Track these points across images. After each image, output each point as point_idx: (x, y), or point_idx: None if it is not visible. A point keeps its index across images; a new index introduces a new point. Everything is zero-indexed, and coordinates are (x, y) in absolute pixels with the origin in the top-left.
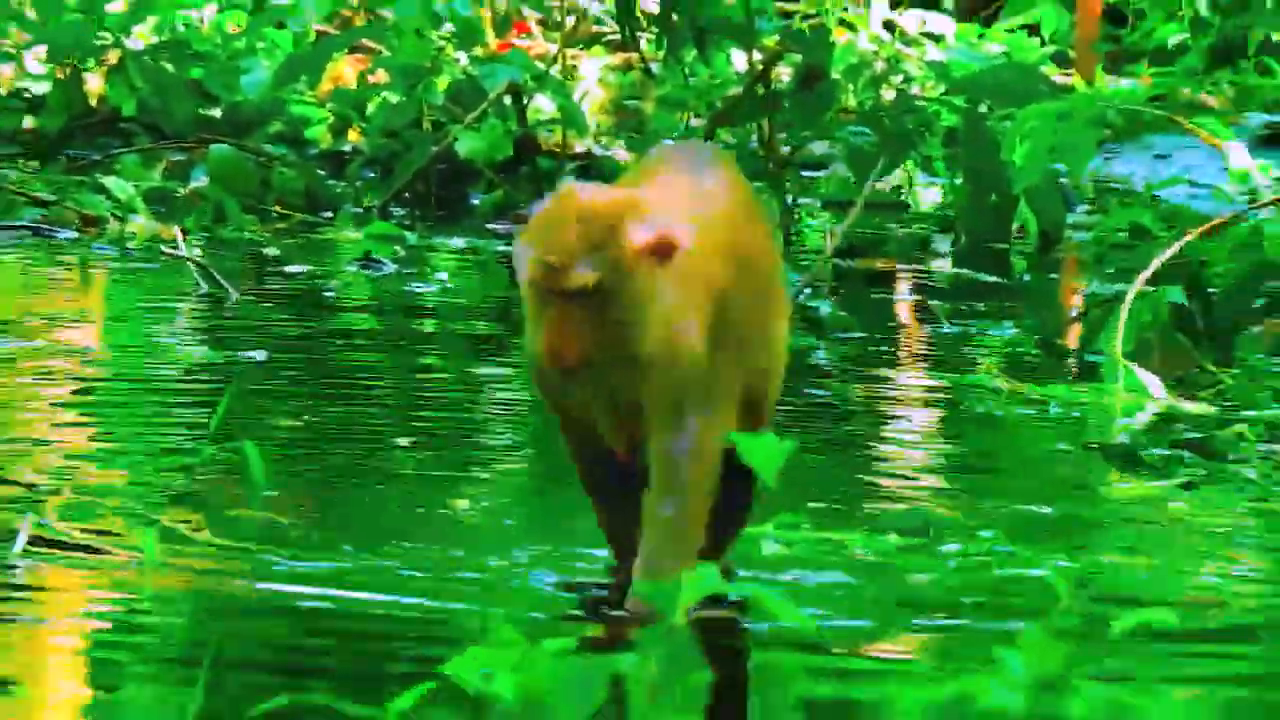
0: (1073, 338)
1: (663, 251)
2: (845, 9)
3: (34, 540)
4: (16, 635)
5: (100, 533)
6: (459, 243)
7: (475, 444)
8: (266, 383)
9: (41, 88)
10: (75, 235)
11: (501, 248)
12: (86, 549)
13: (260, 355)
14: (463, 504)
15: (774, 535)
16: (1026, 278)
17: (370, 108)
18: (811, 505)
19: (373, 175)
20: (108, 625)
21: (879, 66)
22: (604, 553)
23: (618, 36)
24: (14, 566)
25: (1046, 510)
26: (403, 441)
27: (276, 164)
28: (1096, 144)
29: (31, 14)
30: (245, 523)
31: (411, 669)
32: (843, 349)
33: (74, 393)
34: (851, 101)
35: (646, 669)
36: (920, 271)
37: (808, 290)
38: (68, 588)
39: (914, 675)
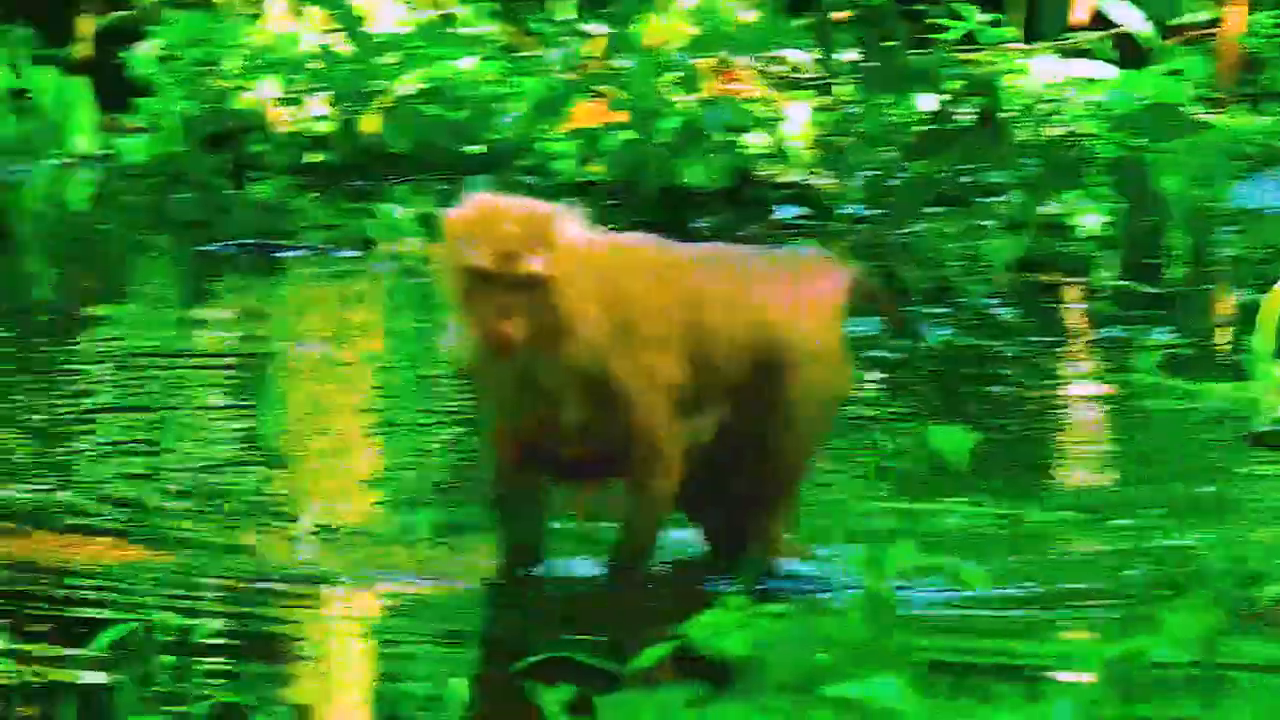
0: (1222, 340)
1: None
2: (1018, 57)
3: (320, 526)
4: (305, 612)
5: (375, 514)
6: None
7: None
8: None
9: (325, 127)
10: (354, 254)
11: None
12: (364, 533)
13: None
14: None
15: (957, 511)
16: (1180, 289)
17: (608, 143)
18: (993, 485)
19: (610, 202)
20: (388, 601)
21: (1047, 106)
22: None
23: (822, 81)
24: (301, 545)
25: (1202, 491)
26: None
27: (527, 192)
28: (1235, 172)
29: (318, 64)
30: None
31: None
32: (1021, 350)
33: (354, 388)
34: (1024, 136)
35: (853, 630)
36: (1085, 283)
37: (992, 300)
38: (350, 563)
39: (1089, 632)
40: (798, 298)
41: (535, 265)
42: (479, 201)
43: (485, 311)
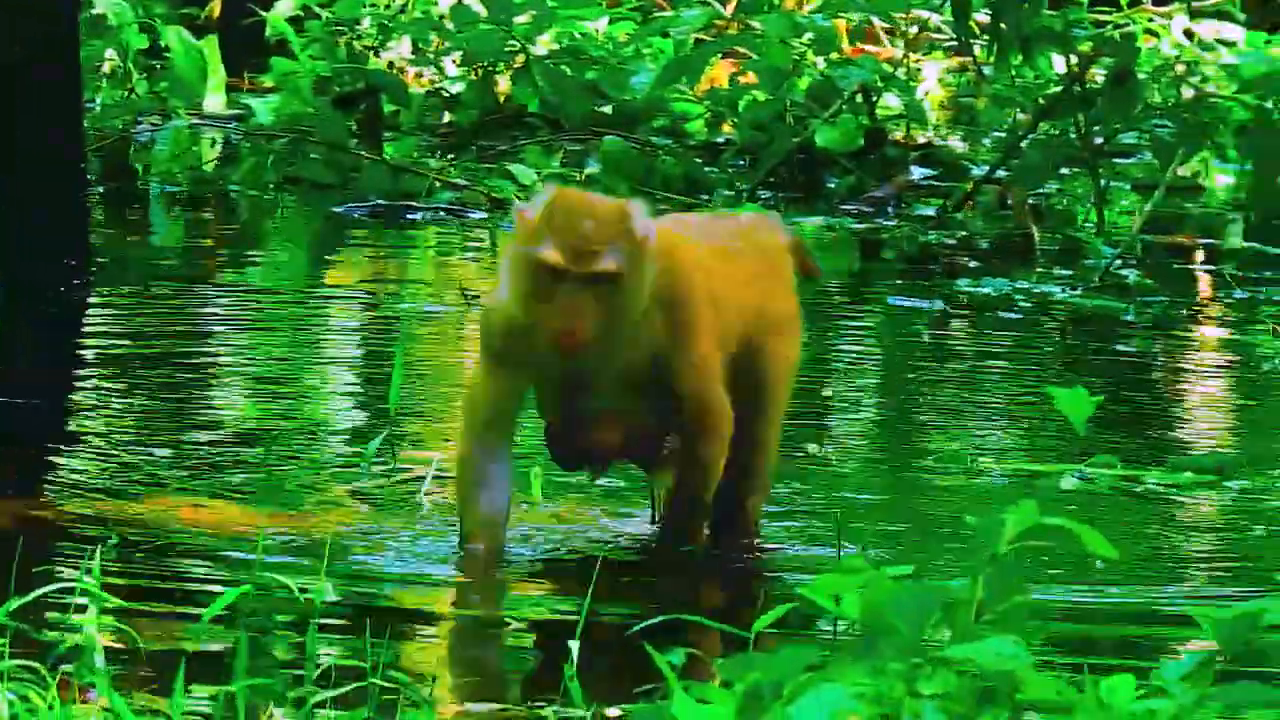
0: None
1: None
2: (1150, 19)
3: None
4: (420, 574)
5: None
6: (816, 220)
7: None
8: None
9: (457, 87)
10: (484, 215)
11: (854, 224)
12: None
13: None
14: (813, 448)
15: (1079, 471)
16: None
17: (740, 105)
18: (1115, 447)
19: (743, 163)
20: (502, 567)
21: (1180, 68)
22: None
23: (954, 43)
24: (421, 503)
25: None
26: None
27: (660, 153)
28: None
29: (450, 24)
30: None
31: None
32: (1147, 311)
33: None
34: (1156, 98)
35: (974, 592)
36: (1215, 245)
37: (1118, 261)
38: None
39: (1200, 593)
40: (768, 267)
41: (609, 263)
42: (555, 196)
43: (557, 309)
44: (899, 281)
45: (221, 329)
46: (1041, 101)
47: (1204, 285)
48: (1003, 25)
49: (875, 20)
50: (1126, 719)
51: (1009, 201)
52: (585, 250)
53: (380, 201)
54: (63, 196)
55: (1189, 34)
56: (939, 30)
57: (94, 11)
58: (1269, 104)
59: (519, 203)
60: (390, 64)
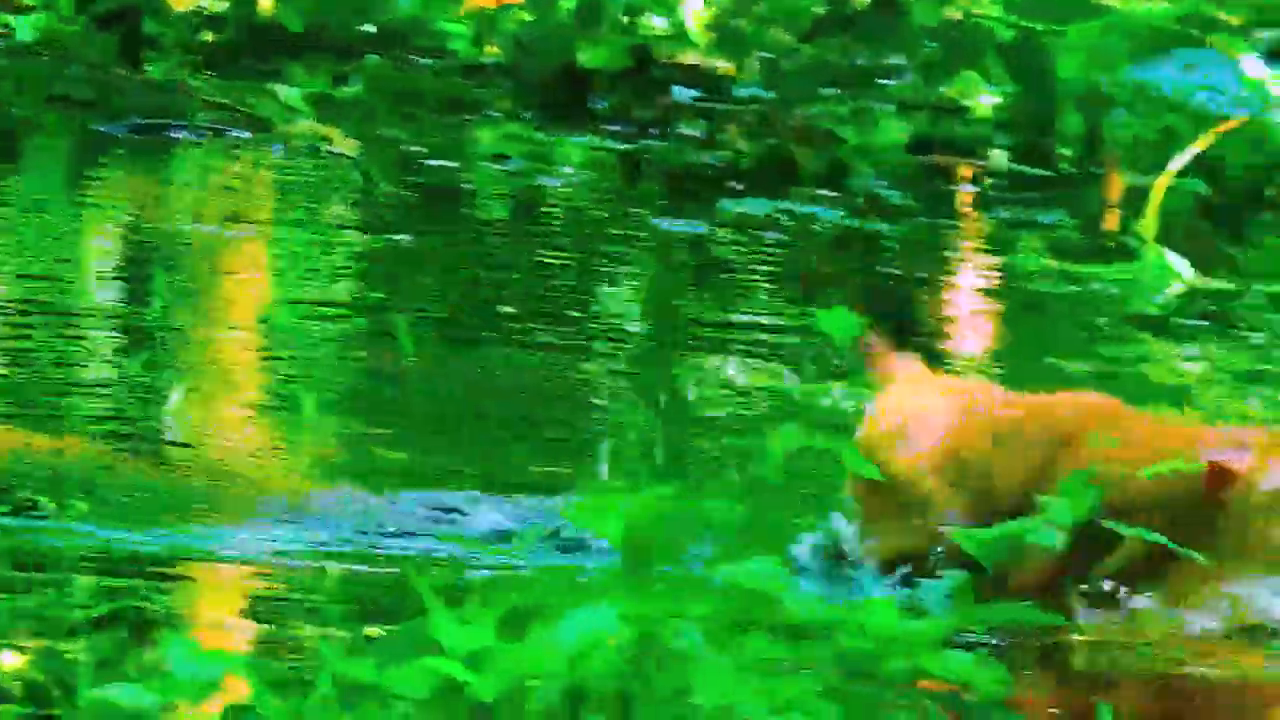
0: (1112, 223)
1: None
2: None
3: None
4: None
5: None
6: (581, 140)
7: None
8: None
9: (220, 5)
10: (247, 135)
11: (619, 144)
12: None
13: (408, 238)
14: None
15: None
16: (1072, 172)
17: (506, 25)
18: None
19: (509, 84)
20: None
21: None
22: None
23: None
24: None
25: (1080, 370)
26: None
27: (425, 73)
28: (1134, 55)
29: None
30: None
31: None
32: (910, 232)
33: (246, 270)
34: (922, 19)
35: (736, 512)
36: (979, 165)
37: (882, 182)
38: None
39: None
40: None
41: None
42: None
43: None
44: (664, 203)
45: None
46: (807, 22)
47: (966, 206)
48: None
49: None
50: (885, 638)
51: (774, 123)
52: None
53: (141, 120)
54: None
55: None
56: None
57: None
58: (1035, 24)
59: None
60: None
